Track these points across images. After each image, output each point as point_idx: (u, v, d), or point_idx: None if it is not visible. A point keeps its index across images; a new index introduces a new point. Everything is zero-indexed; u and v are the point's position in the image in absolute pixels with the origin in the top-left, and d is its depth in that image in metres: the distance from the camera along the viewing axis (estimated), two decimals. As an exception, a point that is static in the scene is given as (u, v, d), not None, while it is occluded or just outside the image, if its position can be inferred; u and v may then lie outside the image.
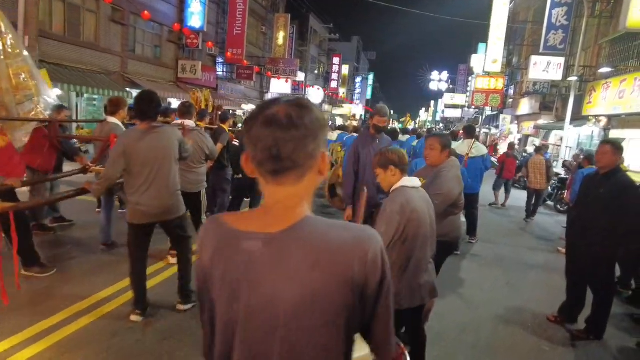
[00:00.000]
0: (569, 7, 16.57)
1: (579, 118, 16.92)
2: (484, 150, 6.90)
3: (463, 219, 7.43)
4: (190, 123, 5.01)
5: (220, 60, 24.27)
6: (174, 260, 4.94)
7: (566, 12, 16.55)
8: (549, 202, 12.29)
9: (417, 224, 2.62)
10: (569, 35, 16.85)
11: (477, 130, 36.08)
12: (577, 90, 16.43)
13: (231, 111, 25.11)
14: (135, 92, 17.77)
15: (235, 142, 5.99)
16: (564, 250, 7.41)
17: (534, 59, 16.83)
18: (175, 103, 22.48)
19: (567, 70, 16.98)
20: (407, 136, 15.78)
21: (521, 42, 25.12)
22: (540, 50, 17.01)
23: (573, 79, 15.17)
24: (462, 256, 6.36)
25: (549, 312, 4.54)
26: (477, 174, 6.89)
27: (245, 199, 6.69)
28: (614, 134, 15.17)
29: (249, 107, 27.93)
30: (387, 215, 2.60)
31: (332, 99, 44.14)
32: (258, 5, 28.11)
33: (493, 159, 23.09)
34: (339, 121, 40.60)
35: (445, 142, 3.56)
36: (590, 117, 15.90)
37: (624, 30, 11.17)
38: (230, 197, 6.24)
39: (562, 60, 16.74)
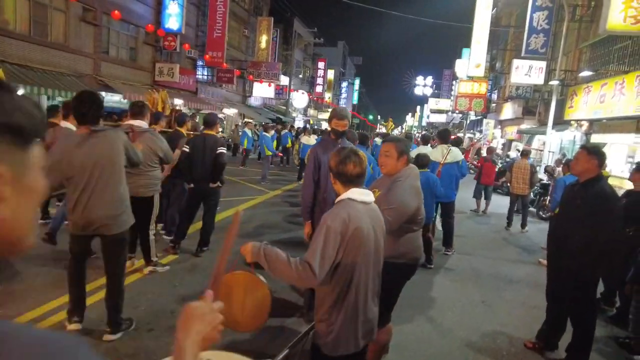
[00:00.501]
0: (550, 11, 16.34)
1: (561, 122, 16.67)
2: (459, 156, 6.43)
3: (439, 227, 6.98)
4: (141, 124, 4.44)
5: (201, 63, 23.64)
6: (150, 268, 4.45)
7: (547, 16, 16.31)
8: (532, 209, 11.89)
9: (359, 245, 2.10)
10: (550, 39, 16.61)
11: (461, 135, 35.92)
12: (559, 94, 16.18)
13: (192, 113, 24.49)
14: (109, 96, 17.13)
15: (186, 148, 5.39)
16: (545, 262, 7.00)
17: (516, 62, 16.55)
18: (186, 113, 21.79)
19: (549, 74, 16.72)
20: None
21: (504, 47, 24.96)
22: (522, 54, 16.74)
23: (554, 82, 14.89)
24: (435, 270, 5.86)
25: (527, 337, 4.04)
26: (452, 181, 6.42)
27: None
28: (595, 138, 14.92)
29: (231, 111, 27.33)
30: (325, 232, 2.08)
31: (318, 104, 43.70)
32: (240, 8, 27.58)
33: (474, 163, 22.91)
34: (325, 126, 40.16)
35: (401, 148, 3.04)
36: (572, 122, 15.64)
37: (604, 33, 10.87)
38: (182, 209, 5.64)
39: (543, 64, 16.48)
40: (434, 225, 6.60)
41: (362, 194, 2.22)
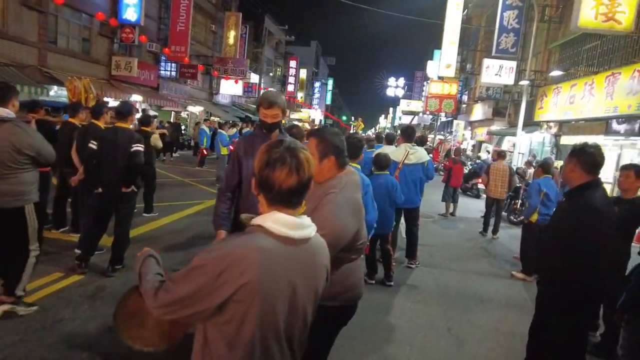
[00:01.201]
0: (520, 10, 15.96)
1: (530, 124, 16.31)
2: (424, 157, 5.63)
3: (404, 235, 6.18)
4: (2, 112, 3.34)
5: (164, 58, 22.29)
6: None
7: (517, 15, 15.92)
8: (502, 213, 11.31)
9: (256, 303, 1.24)
10: (521, 39, 16.23)
11: (432, 136, 35.61)
12: (529, 95, 15.79)
13: (173, 112, 23.18)
14: (56, 90, 15.66)
15: (93, 144, 4.35)
16: (518, 275, 6.34)
17: (487, 62, 16.09)
18: (109, 103, 20.35)
19: (519, 74, 16.34)
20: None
21: (474, 48, 24.68)
22: (493, 54, 16.30)
23: (524, 83, 14.46)
24: (395, 289, 5.02)
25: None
26: (416, 185, 5.61)
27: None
28: (565, 140, 14.57)
29: (196, 109, 26.03)
30: (194, 267, 1.28)
31: (290, 103, 42.65)
32: (207, 2, 26.31)
33: (445, 164, 22.46)
34: (307, 125, 39.14)
35: (326, 145, 2.13)
36: (542, 123, 15.27)
37: (575, 29, 10.39)
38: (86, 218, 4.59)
39: (514, 64, 16.08)
40: (395, 235, 5.78)
41: (289, 225, 1.33)
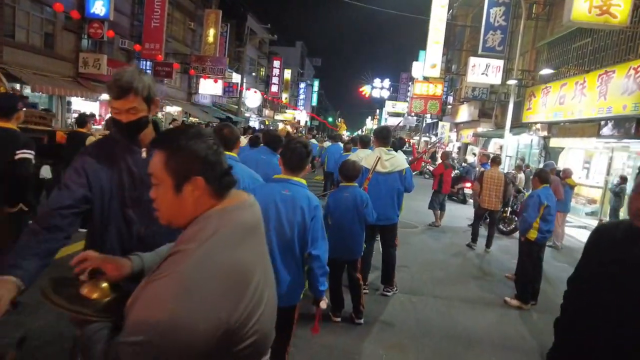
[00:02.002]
0: (507, 7, 15.18)
1: (518, 125, 15.53)
2: (402, 164, 4.63)
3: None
4: None
5: (138, 55, 21.02)
6: None
7: (504, 12, 15.14)
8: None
9: None
10: (508, 37, 15.44)
11: (417, 139, 34.82)
12: (516, 95, 15.00)
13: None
14: (12, 87, 14.35)
15: (28, 154, 3.18)
16: (513, 302, 4.98)
17: (473, 60, 15.25)
18: (76, 103, 19.04)
19: (506, 74, 15.56)
20: (329, 143, 13.59)
21: (460, 47, 23.94)
22: (479, 52, 15.49)
23: (512, 82, 13.65)
24: (365, 328, 4.01)
25: None
26: (393, 198, 4.61)
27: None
28: (554, 142, 13.80)
29: (174, 109, 24.80)
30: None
31: (274, 104, 41.56)
32: (185, -2, 25.11)
33: (430, 167, 21.52)
34: (281, 127, 38.10)
35: (183, 158, 1.11)
36: (531, 125, 14.48)
37: (568, 23, 9.58)
38: None
39: (501, 62, 15.29)
40: (367, 259, 4.79)
41: None
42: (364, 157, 4.65)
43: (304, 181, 2.59)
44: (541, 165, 14.44)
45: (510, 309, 5.04)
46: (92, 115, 6.88)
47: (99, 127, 19.02)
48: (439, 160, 21.75)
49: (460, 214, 11.19)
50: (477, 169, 10.56)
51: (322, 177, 12.84)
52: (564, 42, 13.43)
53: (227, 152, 2.14)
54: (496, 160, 7.72)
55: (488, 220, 7.75)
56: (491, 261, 7.08)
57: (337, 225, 3.91)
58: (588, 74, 11.21)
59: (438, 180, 9.09)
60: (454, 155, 19.98)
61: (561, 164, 14.40)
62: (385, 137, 4.68)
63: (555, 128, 13.55)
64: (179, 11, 24.49)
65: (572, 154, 14.17)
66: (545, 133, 13.99)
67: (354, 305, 4.10)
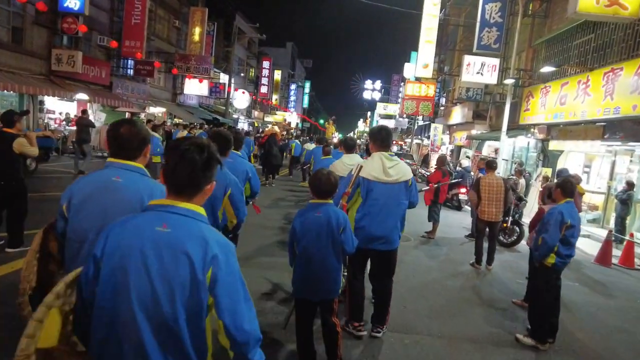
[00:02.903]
0: (503, 2, 14.32)
1: (514, 127, 14.67)
2: (408, 173, 3.62)
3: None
4: None
5: (116, 53, 19.88)
6: None
7: (500, 8, 14.28)
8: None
9: None
10: (504, 35, 14.59)
11: (409, 141, 33.87)
12: (513, 96, 14.13)
13: (128, 114, 20.76)
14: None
15: None
16: (526, 340, 3.99)
17: (468, 59, 14.36)
18: (49, 102, 17.83)
19: (502, 73, 14.70)
20: (313, 145, 12.59)
21: (453, 47, 23.11)
22: (474, 49, 14.60)
23: (510, 81, 12.78)
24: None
25: None
26: (396, 215, 3.59)
27: None
28: (553, 145, 12.93)
29: (158, 110, 23.67)
30: None
31: (264, 105, 40.47)
32: (170, -5, 24.00)
33: (422, 170, 20.57)
34: (276, 128, 37.01)
35: None
36: (530, 127, 13.61)
37: (574, 15, 8.70)
38: None
39: (497, 61, 14.42)
40: (357, 295, 3.78)
41: None
42: (356, 165, 3.62)
43: (199, 209, 1.45)
44: (540, 170, 13.60)
45: (523, 349, 4.07)
46: (24, 113, 5.77)
47: (74, 128, 17.91)
48: (432, 165, 20.94)
49: (455, 223, 10.26)
50: (474, 174, 9.62)
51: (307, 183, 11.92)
52: (564, 39, 12.59)
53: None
54: (492, 165, 6.70)
55: (487, 232, 6.79)
56: (494, 282, 6.11)
57: (305, 256, 2.92)
58: (592, 72, 10.36)
59: (435, 189, 8.09)
60: (448, 158, 19.08)
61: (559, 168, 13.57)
62: (384, 139, 3.65)
63: (555, 130, 12.69)
64: (162, 8, 23.39)
65: (572, 158, 13.33)
66: (543, 135, 13.13)
67: (329, 356, 3.10)
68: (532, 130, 13.51)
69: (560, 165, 13.49)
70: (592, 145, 10.81)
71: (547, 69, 11.35)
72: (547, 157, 13.74)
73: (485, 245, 6.75)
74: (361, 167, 3.46)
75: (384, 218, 3.47)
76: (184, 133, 12.74)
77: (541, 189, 11.35)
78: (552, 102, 11.96)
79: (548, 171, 13.06)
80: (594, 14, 8.50)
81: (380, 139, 3.63)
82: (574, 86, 11.00)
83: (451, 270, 6.45)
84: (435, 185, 7.68)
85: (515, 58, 13.41)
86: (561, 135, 12.34)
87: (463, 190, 11.96)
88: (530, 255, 5.66)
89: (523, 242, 8.58)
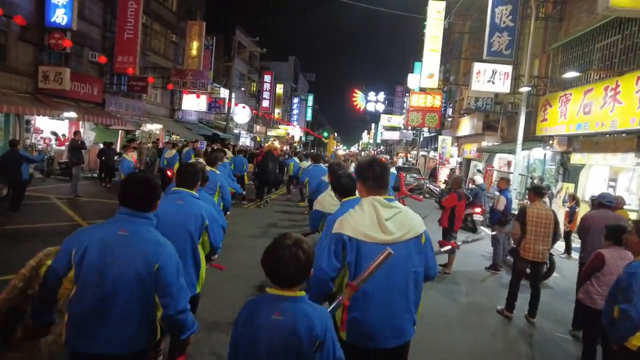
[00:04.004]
0: (514, 5, 13.15)
1: (530, 138, 13.38)
2: (419, 225, 2.18)
3: None
4: None
5: (109, 69, 18.96)
6: None
7: (511, 12, 13.11)
8: (509, 257, 8.15)
9: None
10: (516, 40, 13.38)
11: (414, 153, 32.50)
12: (527, 105, 12.87)
13: (121, 132, 19.76)
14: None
15: None
16: None
17: (477, 66, 13.13)
18: (41, 122, 16.86)
19: (515, 81, 13.46)
20: (308, 163, 11.32)
21: (458, 56, 21.94)
22: (484, 56, 13.39)
23: (525, 89, 11.52)
24: None
25: None
26: (406, 291, 2.22)
27: None
28: (575, 158, 11.60)
29: (155, 127, 22.69)
30: None
31: (266, 120, 39.49)
32: (166, 10, 23.20)
33: (430, 186, 19.12)
34: (276, 143, 35.97)
35: None
36: (545, 138, 12.30)
37: (605, 11, 7.48)
38: None
39: (509, 68, 13.18)
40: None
41: None
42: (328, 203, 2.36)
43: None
44: (560, 185, 12.23)
45: None
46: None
47: (62, 148, 16.90)
48: (441, 178, 19.56)
49: (472, 250, 8.91)
50: (496, 194, 8.30)
51: (306, 203, 10.65)
52: (584, 42, 11.35)
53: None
54: (539, 192, 5.28)
55: (529, 273, 5.41)
56: (544, 345, 4.74)
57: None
58: (621, 77, 9.07)
59: (449, 215, 6.78)
60: (456, 173, 17.73)
61: (582, 184, 12.21)
62: (377, 177, 2.30)
63: (577, 142, 11.38)
64: (158, 23, 22.55)
65: (595, 172, 11.99)
66: (564, 148, 11.81)
67: None
68: (550, 142, 12.20)
69: (582, 180, 12.16)
70: (623, 158, 9.48)
71: (570, 74, 10.09)
72: (568, 171, 12.41)
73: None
74: (340, 220, 2.21)
75: (388, 300, 2.16)
76: (172, 152, 11.57)
77: (567, 209, 10.03)
78: (574, 111, 10.67)
79: (570, 187, 11.71)
80: (629, 8, 7.27)
81: (373, 176, 2.29)
82: (599, 93, 9.72)
83: (477, 322, 5.12)
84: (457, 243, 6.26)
85: (530, 63, 12.18)
86: (585, 147, 11.02)
87: (478, 210, 10.65)
88: (579, 308, 4.35)
89: (555, 274, 7.25)
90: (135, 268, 1.96)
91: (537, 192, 5.27)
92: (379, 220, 2.14)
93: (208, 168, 5.61)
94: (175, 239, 2.88)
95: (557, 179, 12.94)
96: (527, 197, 11.57)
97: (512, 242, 8.14)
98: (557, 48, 12.56)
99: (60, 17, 15.17)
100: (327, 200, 3.54)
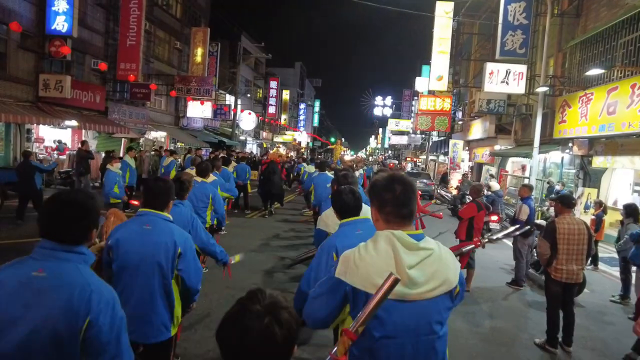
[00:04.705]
0: (528, 2, 12.49)
1: (547, 141, 12.65)
2: (452, 276, 1.55)
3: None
4: None
5: (110, 76, 18.63)
6: None
7: (524, 9, 12.44)
8: (532, 271, 7.45)
9: None
10: (531, 38, 12.69)
11: (424, 158, 31.76)
12: (543, 107, 12.16)
13: (124, 140, 19.38)
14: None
15: None
16: None
17: (490, 66, 12.47)
18: (44, 131, 16.53)
19: (530, 81, 12.76)
20: (313, 168, 10.70)
21: (467, 57, 21.26)
22: (497, 56, 12.72)
23: (542, 89, 10.82)
24: None
25: None
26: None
27: None
28: (597, 162, 10.86)
29: (159, 134, 22.33)
30: None
31: (272, 126, 39.06)
32: (170, 17, 22.90)
33: (442, 192, 18.38)
34: (281, 150, 35.52)
35: None
36: (567, 141, 11.57)
37: (633, 1, 6.78)
38: None
39: (524, 68, 12.49)
40: None
41: None
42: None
43: None
44: (581, 191, 11.47)
45: None
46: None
47: (63, 157, 16.54)
48: (452, 183, 18.77)
49: (491, 262, 8.22)
50: (518, 203, 7.61)
51: (311, 212, 10.05)
52: (605, 38, 10.65)
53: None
54: (568, 203, 4.55)
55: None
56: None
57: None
58: (650, 74, 8.36)
59: (467, 226, 6.11)
60: (468, 177, 16.99)
61: (604, 188, 11.44)
62: (400, 202, 1.58)
63: (599, 144, 10.64)
64: (162, 30, 22.24)
65: (618, 176, 11.23)
66: (584, 151, 11.07)
67: None
68: (569, 144, 11.47)
69: (604, 184, 11.40)
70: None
71: (594, 71, 9.38)
72: (589, 175, 11.65)
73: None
74: (345, 259, 1.59)
75: None
76: (169, 160, 11.08)
77: (592, 217, 9.29)
78: (597, 112, 9.95)
79: (592, 192, 10.95)
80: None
81: (393, 200, 1.59)
82: (625, 91, 9.00)
83: (503, 354, 4.43)
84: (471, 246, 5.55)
85: (545, 63, 11.49)
86: (608, 149, 10.28)
87: (494, 218, 9.94)
88: None
89: (586, 290, 6.53)
90: (52, 326, 1.38)
91: (565, 202, 4.54)
92: (399, 268, 1.48)
93: (198, 179, 5.05)
94: (140, 274, 2.34)
95: (576, 183, 12.18)
96: (547, 205, 10.83)
97: (535, 254, 7.47)
98: (574, 45, 11.86)
99: (60, 24, 14.86)
100: (332, 219, 2.93)
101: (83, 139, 13.77)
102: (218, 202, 4.94)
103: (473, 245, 5.29)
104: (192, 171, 6.88)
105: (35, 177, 8.53)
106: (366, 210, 2.75)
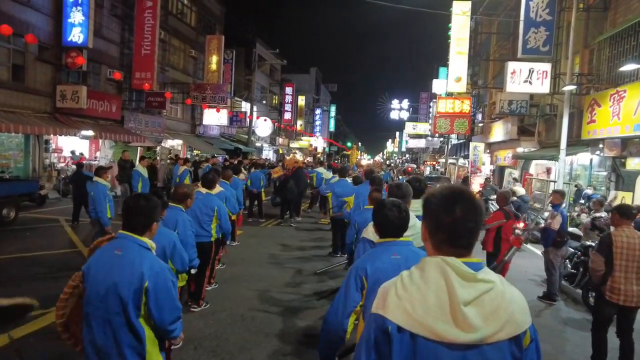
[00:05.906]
0: (551, -3, 11.86)
1: (574, 142, 11.96)
2: (521, 320, 1.17)
3: None
4: None
5: (126, 86, 18.71)
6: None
7: (547, 4, 11.81)
8: (565, 283, 6.85)
9: None
10: (555, 35, 12.05)
11: (442, 161, 30.97)
12: (569, 106, 11.48)
13: (139, 148, 19.41)
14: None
15: None
16: None
17: (512, 66, 11.86)
18: (60, 141, 16.66)
19: (555, 80, 12.11)
20: (331, 174, 10.27)
21: (486, 58, 20.58)
22: (519, 55, 12.11)
23: (570, 88, 10.19)
24: None
25: None
26: None
27: None
28: (632, 164, 10.14)
29: (175, 143, 22.37)
30: None
31: (289, 132, 38.89)
32: (185, 25, 22.99)
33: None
34: (298, 155, 35.26)
35: None
36: (597, 142, 10.88)
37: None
38: None
39: (548, 67, 11.85)
40: None
41: None
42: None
43: None
44: (614, 194, 10.75)
45: None
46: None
47: (74, 166, 16.59)
48: (474, 187, 18.08)
49: (518, 272, 7.64)
50: (549, 209, 7.05)
51: (328, 220, 9.65)
52: (638, 32, 9.96)
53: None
54: (628, 213, 3.96)
55: (617, 320, 4.08)
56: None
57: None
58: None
59: (494, 237, 5.60)
60: (491, 182, 16.29)
61: (639, 192, 10.68)
62: (459, 231, 1.21)
63: (633, 145, 9.93)
64: (177, 39, 22.33)
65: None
66: (616, 152, 10.36)
67: None
68: (600, 145, 10.78)
69: (638, 188, 10.65)
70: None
71: (629, 66, 8.73)
72: (622, 178, 10.90)
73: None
74: (384, 292, 1.22)
75: None
76: (182, 169, 10.87)
77: (632, 224, 8.60)
78: (631, 110, 9.27)
79: (627, 196, 10.24)
80: None
81: (450, 227, 1.22)
82: (662, 88, 8.33)
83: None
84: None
85: (571, 61, 10.85)
86: (644, 150, 9.56)
87: (520, 225, 9.34)
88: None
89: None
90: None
91: (624, 213, 3.98)
92: (452, 303, 1.13)
93: (203, 190, 4.73)
94: (101, 307, 1.99)
95: (608, 187, 11.44)
96: (578, 210, 10.15)
97: (569, 265, 6.89)
98: (603, 41, 11.16)
99: (76, 35, 14.99)
100: (372, 235, 2.51)
101: (124, 149, 13.87)
102: (223, 215, 4.60)
103: (515, 247, 4.81)
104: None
105: (87, 185, 8.90)
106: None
